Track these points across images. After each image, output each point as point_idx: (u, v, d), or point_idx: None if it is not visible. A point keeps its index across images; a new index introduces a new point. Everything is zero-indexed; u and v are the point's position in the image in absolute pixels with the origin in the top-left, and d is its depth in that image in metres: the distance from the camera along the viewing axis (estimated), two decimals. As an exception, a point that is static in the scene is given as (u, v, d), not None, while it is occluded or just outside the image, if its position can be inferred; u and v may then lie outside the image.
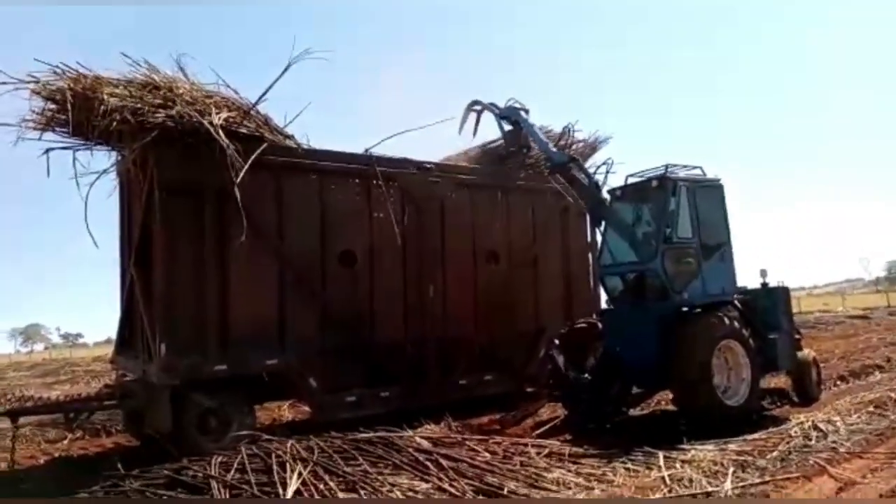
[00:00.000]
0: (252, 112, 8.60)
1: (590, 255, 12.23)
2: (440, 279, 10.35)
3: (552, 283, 11.69)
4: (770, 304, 9.36)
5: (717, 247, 9.01)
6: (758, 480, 5.65)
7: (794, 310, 36.05)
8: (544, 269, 11.63)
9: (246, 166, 7.84)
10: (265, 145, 8.40)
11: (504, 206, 11.27)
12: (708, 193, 9.16)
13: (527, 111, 10.29)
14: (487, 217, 11.08)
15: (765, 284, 9.54)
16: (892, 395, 9.10)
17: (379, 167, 9.61)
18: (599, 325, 9.56)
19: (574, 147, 12.66)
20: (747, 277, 9.69)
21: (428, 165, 10.48)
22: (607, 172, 9.92)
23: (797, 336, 9.70)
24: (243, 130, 8.35)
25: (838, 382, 11.05)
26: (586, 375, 9.09)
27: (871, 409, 8.36)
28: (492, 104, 10.62)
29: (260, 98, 8.60)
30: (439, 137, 12.85)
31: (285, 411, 11.20)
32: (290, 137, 9.15)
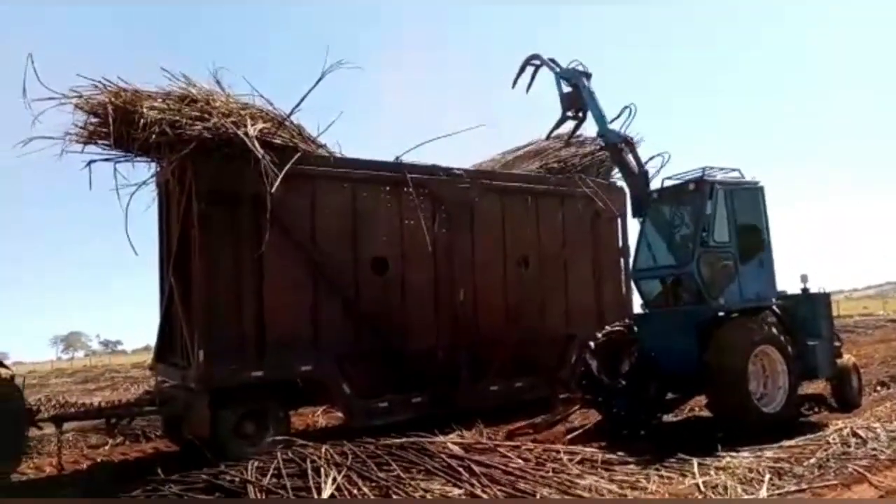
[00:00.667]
0: (286, 122, 8.79)
1: (621, 260, 12.19)
2: (471, 284, 10.40)
3: (583, 288, 11.65)
4: (810, 310, 9.15)
5: (755, 251, 8.87)
6: (794, 488, 5.57)
7: (835, 313, 35.26)
8: (574, 273, 11.60)
9: (280, 176, 8.00)
10: (298, 155, 8.57)
11: (534, 211, 11.27)
12: (746, 196, 9.03)
13: (589, 76, 9.48)
14: (518, 222, 11.10)
15: (805, 290, 9.34)
16: (935, 400, 8.87)
17: (409, 174, 9.72)
18: (634, 329, 9.50)
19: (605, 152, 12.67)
20: (788, 281, 9.56)
21: (458, 171, 10.55)
22: (662, 165, 9.90)
23: (837, 343, 9.50)
24: (277, 141, 8.53)
25: (878, 388, 10.81)
26: (620, 381, 9.03)
27: (912, 415, 8.15)
28: (552, 60, 9.72)
29: (294, 108, 8.80)
30: (472, 141, 12.97)
31: (319, 417, 11.34)
32: (323, 146, 9.31)
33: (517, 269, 11.11)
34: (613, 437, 8.09)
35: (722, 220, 8.65)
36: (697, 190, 8.73)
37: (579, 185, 11.62)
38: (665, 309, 9.01)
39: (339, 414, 10.08)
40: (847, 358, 9.60)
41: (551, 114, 10.05)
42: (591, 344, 9.42)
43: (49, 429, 8.72)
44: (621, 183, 12.62)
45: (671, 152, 10.05)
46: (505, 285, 10.83)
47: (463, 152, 12.08)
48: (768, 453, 6.71)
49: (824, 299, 9.36)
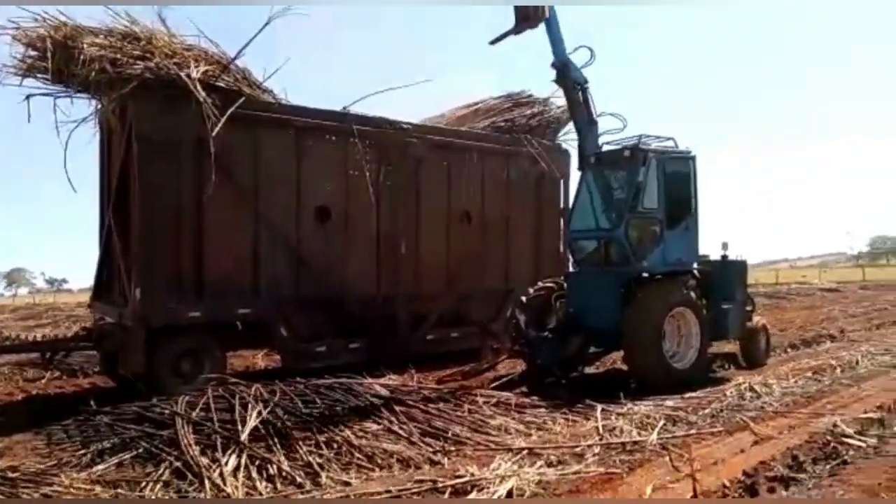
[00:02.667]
0: (231, 66, 8.79)
1: (561, 221, 12.61)
2: (413, 237, 10.69)
3: (523, 245, 12.06)
4: (727, 275, 9.76)
5: (682, 218, 9.32)
6: (682, 433, 6.11)
7: (773, 281, 36.74)
8: (516, 231, 11.98)
9: (223, 120, 8.06)
10: (242, 99, 8.62)
11: (480, 169, 11.53)
12: (678, 165, 9.41)
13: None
14: (463, 178, 11.35)
15: (724, 257, 9.94)
16: (833, 362, 9.62)
17: (355, 125, 9.84)
18: (563, 286, 9.96)
19: (553, 113, 12.91)
20: (735, 248, 10.10)
21: (405, 125, 10.70)
22: (622, 129, 10.12)
23: (749, 307, 10.16)
24: (221, 84, 8.55)
25: (788, 350, 11.56)
26: (546, 334, 9.51)
27: (809, 374, 8.84)
28: None
29: (239, 52, 8.80)
30: (421, 97, 13.07)
31: (260, 359, 11.61)
32: (269, 92, 9.35)
33: (460, 225, 11.42)
34: (535, 385, 8.57)
35: (652, 187, 9.05)
36: (632, 157, 9.08)
37: (525, 145, 11.90)
38: (594, 269, 9.47)
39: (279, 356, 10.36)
40: (757, 320, 10.28)
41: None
42: (523, 299, 9.88)
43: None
44: (566, 145, 13.04)
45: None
46: (447, 240, 11.14)
47: (411, 107, 12.21)
48: (669, 403, 7.28)
49: (741, 266, 9.99)
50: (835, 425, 6.09)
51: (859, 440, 5.71)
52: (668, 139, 9.60)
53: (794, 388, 8.01)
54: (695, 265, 9.55)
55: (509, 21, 9.24)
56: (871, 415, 6.54)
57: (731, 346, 10.63)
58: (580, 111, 9.38)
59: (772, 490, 4.67)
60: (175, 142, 8.30)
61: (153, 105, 8.10)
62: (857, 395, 7.73)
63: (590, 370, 9.82)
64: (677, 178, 9.35)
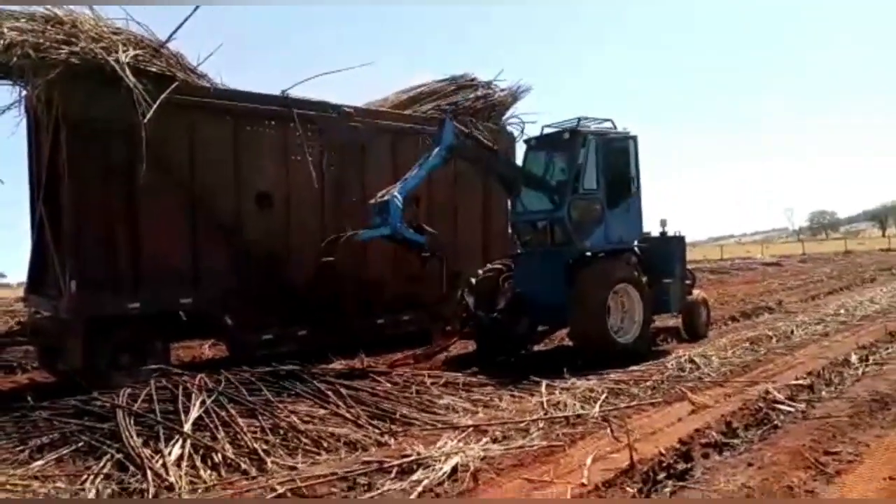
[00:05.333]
0: (162, 50, 8.52)
1: (508, 203, 12.71)
2: (359, 222, 10.58)
3: (470, 229, 12.11)
4: (667, 251, 10.07)
5: (623, 197, 9.55)
6: (623, 405, 6.29)
7: (717, 256, 38.04)
8: (463, 215, 12.00)
9: (154, 106, 7.81)
10: (176, 84, 8.35)
11: (425, 152, 11.46)
12: (618, 146, 9.62)
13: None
14: (409, 162, 11.27)
15: (663, 233, 10.23)
16: (769, 333, 10.02)
17: (296, 109, 9.67)
18: (511, 268, 10.08)
19: (497, 96, 13.02)
20: (674, 225, 10.37)
21: (348, 109, 10.55)
22: (522, 129, 10.27)
23: (689, 281, 10.48)
24: (153, 69, 8.27)
25: (728, 322, 11.99)
26: (495, 315, 9.62)
27: (746, 345, 9.19)
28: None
29: (170, 36, 8.54)
30: (362, 83, 12.95)
31: (206, 350, 11.41)
32: (204, 77, 9.10)
33: (408, 208, 11.35)
34: (485, 365, 8.67)
35: (593, 168, 9.25)
36: (571, 139, 9.25)
37: (470, 128, 11.90)
38: (538, 250, 9.61)
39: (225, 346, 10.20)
40: (697, 294, 10.62)
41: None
42: (472, 281, 9.97)
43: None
44: (512, 128, 13.15)
45: (604, 109, 10.31)
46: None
47: (353, 92, 12.07)
48: (612, 376, 7.48)
49: (679, 242, 10.29)
50: (767, 392, 6.36)
51: (790, 405, 5.99)
52: (607, 120, 9.82)
53: (731, 359, 8.31)
54: (636, 243, 9.77)
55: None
56: (801, 381, 6.85)
57: (674, 321, 10.95)
58: (488, 162, 9.67)
59: (706, 456, 4.85)
60: (105, 129, 7.99)
61: (81, 91, 7.79)
62: (790, 364, 8.07)
63: (538, 348, 9.99)
64: (617, 158, 9.56)
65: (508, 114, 12.97)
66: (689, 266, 10.96)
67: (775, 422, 5.55)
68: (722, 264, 31.95)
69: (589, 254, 9.31)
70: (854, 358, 7.88)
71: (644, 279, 9.23)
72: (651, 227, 10.33)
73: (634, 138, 9.82)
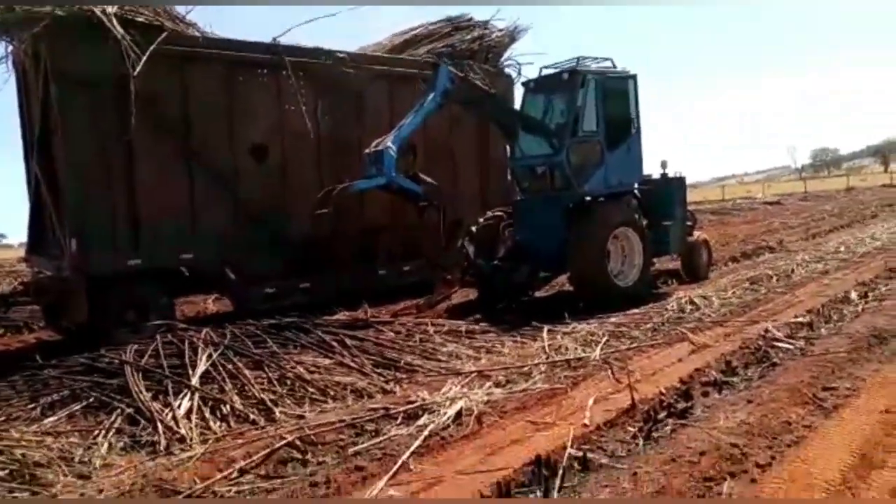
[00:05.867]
0: (149, 0, 8.28)
1: (507, 149, 12.57)
2: (356, 172, 10.50)
3: (469, 176, 12.01)
4: (667, 193, 9.98)
5: (623, 139, 9.43)
6: (624, 348, 6.36)
7: (718, 197, 37.89)
8: (461, 161, 11.89)
9: (144, 57, 7.66)
10: (165, 34, 8.17)
11: (421, 99, 11.28)
12: (617, 86, 9.45)
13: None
14: (405, 108, 11.09)
15: (664, 175, 10.14)
16: (770, 272, 10.04)
17: (288, 57, 9.47)
18: (510, 215, 10.03)
19: (494, 37, 12.72)
20: (675, 166, 10.28)
21: (341, 55, 10.34)
22: (519, 71, 10.05)
23: (689, 223, 10.46)
24: (140, 19, 8.08)
25: (729, 263, 12.02)
26: (496, 262, 9.62)
27: (746, 285, 9.22)
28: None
29: (157, -16, 8.26)
30: (354, 28, 12.64)
31: (210, 304, 11.50)
32: (193, 26, 8.89)
33: (404, 158, 11.20)
34: (487, 312, 8.72)
35: (592, 110, 9.09)
36: (570, 80, 9.06)
37: (468, 71, 11.67)
38: (538, 195, 9.55)
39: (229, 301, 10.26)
40: (697, 235, 10.62)
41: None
42: (472, 229, 9.93)
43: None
44: (510, 69, 12.89)
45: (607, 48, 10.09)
46: (393, 172, 10.98)
47: (347, 37, 11.81)
48: (612, 319, 7.54)
49: (680, 183, 10.21)
50: (766, 331, 6.42)
51: (788, 343, 6.06)
52: (606, 60, 9.61)
53: (731, 299, 8.35)
54: (636, 185, 9.69)
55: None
56: (800, 319, 6.92)
57: (674, 263, 10.98)
58: (485, 107, 9.53)
59: (705, 394, 4.93)
60: (96, 82, 7.84)
61: (68, 44, 7.63)
62: (789, 302, 8.12)
63: (540, 294, 10.04)
64: (617, 98, 9.40)
65: (506, 55, 12.71)
66: (689, 208, 10.92)
67: (774, 360, 5.63)
68: (723, 205, 31.87)
69: (588, 198, 9.25)
70: (853, 295, 7.93)
71: (644, 222, 9.22)
72: (651, 168, 10.29)
73: (634, 77, 9.64)
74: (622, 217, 9.02)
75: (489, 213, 10.24)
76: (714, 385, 5.07)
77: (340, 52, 10.34)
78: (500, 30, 12.80)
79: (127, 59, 7.53)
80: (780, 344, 6.02)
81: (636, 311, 8.00)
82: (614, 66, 9.60)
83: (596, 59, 9.51)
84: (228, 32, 9.31)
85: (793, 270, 10.28)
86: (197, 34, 8.83)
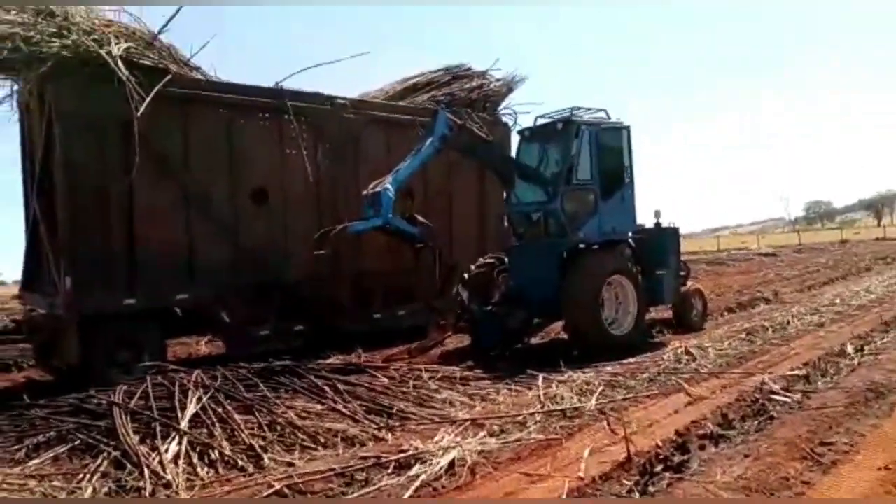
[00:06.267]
0: (155, 42, 8.47)
1: (504, 194, 12.67)
2: (355, 216, 10.53)
3: (467, 221, 12.08)
4: (660, 243, 10.00)
5: (617, 188, 9.51)
6: (620, 398, 6.29)
7: (713, 248, 37.98)
8: (459, 207, 11.97)
9: (148, 99, 7.77)
10: (168, 77, 8.31)
11: (419, 144, 11.41)
12: (612, 137, 9.58)
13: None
14: (404, 154, 11.22)
15: (657, 224, 10.18)
16: (766, 324, 10.02)
17: (290, 101, 9.62)
18: (505, 261, 10.04)
19: (492, 86, 12.97)
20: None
21: (341, 100, 10.52)
22: (515, 119, 10.22)
23: (683, 273, 10.49)
24: (146, 61, 8.24)
25: (725, 313, 12.00)
26: (489, 308, 9.58)
27: (742, 336, 9.19)
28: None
29: (162, 28, 8.53)
30: (355, 74, 12.88)
31: (202, 346, 11.39)
32: (197, 69, 9.05)
33: (403, 201, 11.27)
34: (480, 359, 8.59)
35: (586, 159, 9.20)
36: (565, 129, 9.21)
37: (465, 119, 11.85)
38: (532, 241, 9.60)
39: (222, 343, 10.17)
40: (690, 286, 10.61)
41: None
42: (465, 275, 9.93)
43: None
44: (507, 118, 13.09)
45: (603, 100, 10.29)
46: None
47: (348, 83, 12.02)
48: (608, 369, 7.48)
49: (673, 234, 10.25)
50: (763, 383, 6.36)
51: (786, 396, 6.00)
52: (601, 111, 9.78)
53: (727, 350, 8.31)
54: (630, 234, 9.73)
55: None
56: (797, 372, 6.87)
57: (670, 312, 10.94)
58: (481, 153, 9.63)
59: (702, 447, 4.86)
60: (99, 123, 7.96)
61: (73, 85, 7.75)
62: (786, 354, 8.08)
63: (535, 340, 9.98)
64: (611, 148, 9.50)
65: (504, 104, 12.95)
66: (684, 258, 10.96)
67: (771, 413, 5.56)
68: (718, 255, 32.01)
69: (583, 245, 9.29)
70: (850, 348, 7.89)
71: (638, 270, 9.22)
72: (645, 218, 10.34)
73: (628, 128, 9.78)
74: (616, 265, 9.05)
75: (482, 260, 10.24)
76: (711, 438, 5.00)
77: (341, 97, 10.52)
78: (499, 79, 13.07)
79: (131, 101, 7.64)
80: (777, 397, 5.96)
81: (632, 360, 7.95)
82: (608, 117, 9.77)
83: (590, 109, 9.68)
84: (232, 76, 9.40)
85: (788, 322, 10.26)
86: (200, 77, 8.98)
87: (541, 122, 9.84)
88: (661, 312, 10.86)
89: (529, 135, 9.88)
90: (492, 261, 10.07)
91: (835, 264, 22.56)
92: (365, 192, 8.79)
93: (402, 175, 8.77)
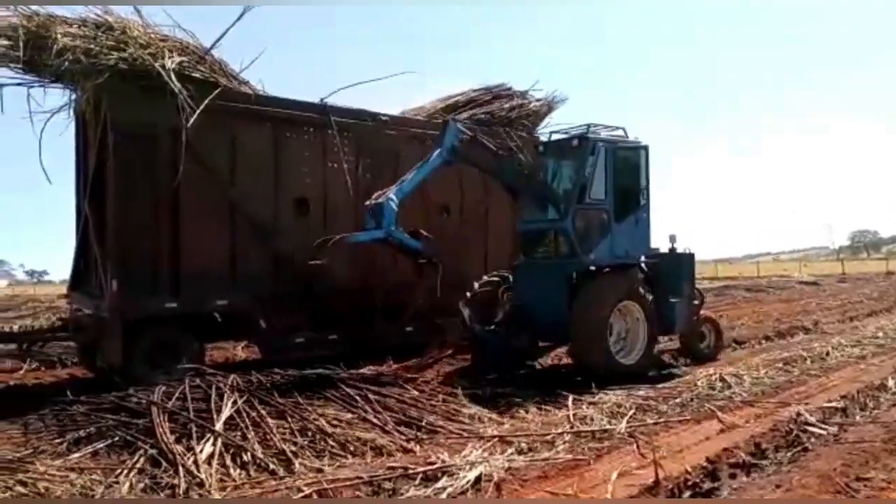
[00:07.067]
0: (207, 57, 8.78)
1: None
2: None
3: (502, 236, 12.07)
4: (674, 269, 9.52)
5: (631, 210, 9.15)
6: (651, 422, 6.24)
7: (753, 274, 37.03)
8: (495, 221, 12.02)
9: (198, 111, 8.06)
10: (218, 90, 8.61)
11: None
12: (628, 156, 9.20)
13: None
14: (442, 171, 11.35)
15: (672, 250, 9.65)
16: (804, 353, 9.79)
17: (333, 117, 9.85)
18: (509, 279, 9.69)
19: (532, 106, 13.05)
20: (684, 241, 10.02)
21: (383, 117, 10.73)
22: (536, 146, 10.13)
23: (696, 301, 9.99)
24: (197, 75, 8.56)
25: (763, 341, 11.77)
26: (492, 328, 9.24)
27: (779, 365, 8.99)
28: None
29: (215, 43, 8.81)
30: (398, 91, 13.10)
31: (239, 351, 11.63)
32: (246, 83, 9.36)
33: (439, 217, 11.45)
34: (481, 379, 8.21)
35: (601, 178, 8.87)
36: (580, 146, 8.91)
37: (503, 137, 11.94)
38: (540, 261, 9.35)
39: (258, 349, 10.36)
40: (705, 315, 10.26)
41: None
42: (468, 293, 9.63)
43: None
44: (544, 137, 13.11)
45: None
46: (427, 231, 11.14)
47: (391, 100, 12.24)
48: (640, 392, 7.41)
49: (688, 260, 9.76)
50: (798, 414, 6.24)
51: (821, 428, 5.87)
52: (619, 128, 9.41)
53: (763, 379, 8.15)
54: (643, 258, 9.36)
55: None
56: (834, 404, 6.71)
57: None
58: (494, 167, 9.22)
59: (733, 476, 4.80)
60: (150, 133, 8.29)
61: (128, 96, 8.09)
62: (823, 386, 7.90)
63: (542, 361, 9.80)
64: (627, 168, 9.13)
65: (543, 124, 12.99)
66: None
67: (806, 444, 5.45)
68: (757, 282, 31.36)
69: (593, 268, 8.96)
70: (891, 382, 7.67)
71: (649, 297, 8.81)
72: (660, 242, 9.78)
73: (646, 148, 9.37)
74: (627, 289, 8.69)
75: (486, 278, 9.93)
76: (742, 467, 4.93)
77: (383, 114, 10.72)
78: (539, 99, 13.14)
79: (182, 112, 7.94)
80: (812, 428, 5.84)
81: (665, 384, 7.87)
82: (626, 135, 9.42)
83: (608, 126, 9.34)
84: (279, 90, 9.66)
85: (828, 353, 10.00)
86: (249, 91, 9.27)
87: (556, 137, 9.64)
88: (668, 342, 10.42)
89: (543, 150, 9.72)
90: (496, 278, 9.76)
91: (879, 296, 21.89)
92: (368, 203, 8.58)
93: (406, 187, 8.54)
